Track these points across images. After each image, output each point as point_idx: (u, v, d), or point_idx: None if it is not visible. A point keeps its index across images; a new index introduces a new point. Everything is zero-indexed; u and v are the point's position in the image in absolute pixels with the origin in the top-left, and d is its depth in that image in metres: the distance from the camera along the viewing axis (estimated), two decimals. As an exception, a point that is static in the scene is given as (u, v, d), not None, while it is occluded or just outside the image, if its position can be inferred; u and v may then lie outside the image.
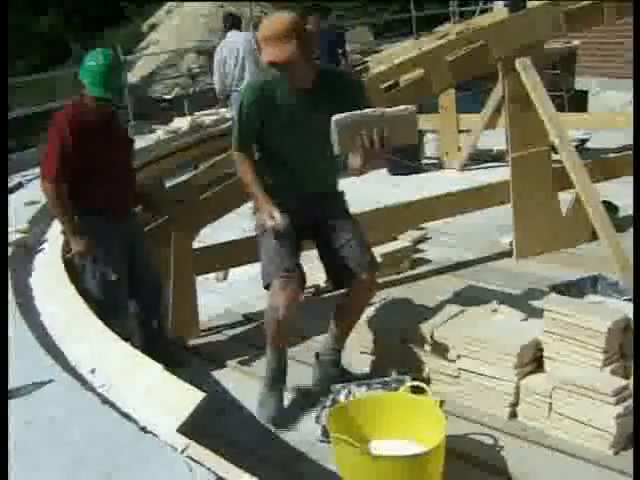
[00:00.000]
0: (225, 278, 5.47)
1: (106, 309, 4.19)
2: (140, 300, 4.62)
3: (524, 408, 3.67)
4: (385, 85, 6.27)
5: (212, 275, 6.07)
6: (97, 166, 4.27)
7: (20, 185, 7.46)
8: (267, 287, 3.80)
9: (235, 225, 6.17)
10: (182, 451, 2.32)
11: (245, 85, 6.52)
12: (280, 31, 3.48)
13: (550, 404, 3.56)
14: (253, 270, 6.02)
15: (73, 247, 4.35)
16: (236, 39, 9.14)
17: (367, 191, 6.56)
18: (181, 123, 10.49)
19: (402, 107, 3.35)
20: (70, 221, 4.32)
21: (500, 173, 7.14)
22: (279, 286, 3.70)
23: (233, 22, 9.48)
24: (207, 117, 10.74)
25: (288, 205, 3.76)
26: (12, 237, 4.95)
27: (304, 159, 3.82)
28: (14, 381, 2.88)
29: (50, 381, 2.86)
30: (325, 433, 3.54)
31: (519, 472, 3.31)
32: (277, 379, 3.95)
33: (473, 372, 3.81)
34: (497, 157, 9.30)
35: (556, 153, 5.86)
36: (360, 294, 3.94)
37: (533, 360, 3.73)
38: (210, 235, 5.75)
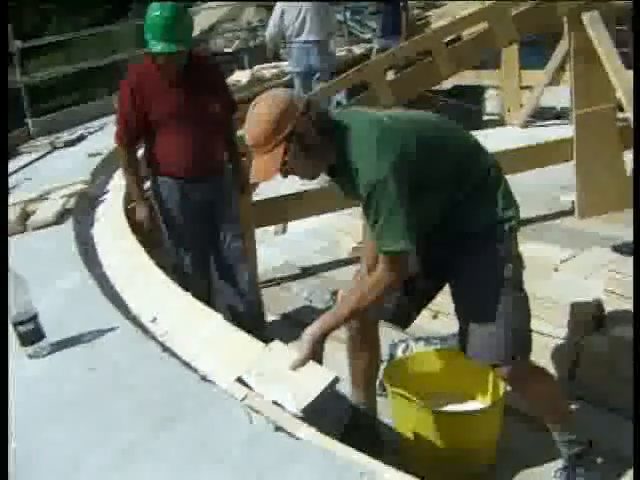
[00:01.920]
0: (284, 232, 5.49)
1: (181, 274, 4.26)
2: (219, 268, 4.43)
3: (584, 367, 3.63)
4: (448, 39, 6.19)
5: (271, 228, 6.10)
6: (163, 127, 4.15)
7: (82, 137, 7.55)
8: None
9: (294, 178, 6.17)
10: (241, 400, 2.35)
11: None
12: (260, 140, 2.65)
13: (610, 364, 3.52)
14: (310, 224, 6.08)
15: (136, 214, 4.38)
16: None
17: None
18: (241, 76, 10.46)
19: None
20: (133, 187, 4.35)
21: (563, 131, 7.01)
22: None
23: None
24: (267, 70, 10.70)
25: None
26: (75, 188, 5.02)
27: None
28: (77, 328, 2.94)
29: (112, 329, 2.90)
30: (382, 387, 3.55)
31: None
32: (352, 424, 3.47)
33: (533, 330, 3.77)
34: (560, 114, 9.15)
35: (622, 111, 5.73)
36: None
37: (594, 319, 3.69)
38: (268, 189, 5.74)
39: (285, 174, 2.79)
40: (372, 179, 2.63)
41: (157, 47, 4.00)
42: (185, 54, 4.08)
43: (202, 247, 4.38)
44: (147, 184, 4.49)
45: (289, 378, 2.49)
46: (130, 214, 4.48)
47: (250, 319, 4.18)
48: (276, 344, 2.68)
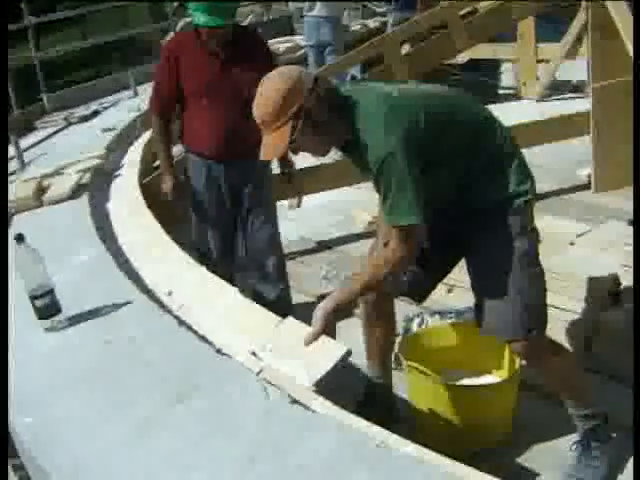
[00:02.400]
0: (299, 206, 5.46)
1: (204, 254, 4.23)
2: (248, 253, 4.35)
3: (600, 342, 3.62)
4: (463, 12, 6.14)
5: (286, 202, 6.09)
6: (197, 101, 4.05)
7: (97, 112, 7.55)
8: None
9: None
10: (257, 373, 2.36)
11: None
12: (268, 117, 2.63)
13: (625, 339, 3.51)
14: (324, 197, 6.06)
15: (162, 185, 4.30)
16: None
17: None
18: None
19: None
20: (162, 156, 4.26)
21: (579, 104, 6.95)
22: None
23: None
24: (281, 44, 10.66)
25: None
26: (90, 163, 5.03)
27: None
28: (93, 302, 2.95)
29: (128, 303, 2.91)
30: (397, 361, 3.55)
31: (592, 405, 3.29)
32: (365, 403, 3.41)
33: (549, 304, 3.76)
34: (576, 88, 9.07)
35: (639, 83, 5.68)
36: None
37: (611, 294, 3.68)
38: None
39: (295, 151, 2.78)
40: (380, 154, 2.61)
41: (201, 19, 3.87)
42: (229, 29, 3.95)
43: (226, 231, 4.30)
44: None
45: (302, 353, 2.49)
46: (145, 188, 4.50)
47: (277, 307, 4.05)
48: (289, 319, 2.68)
